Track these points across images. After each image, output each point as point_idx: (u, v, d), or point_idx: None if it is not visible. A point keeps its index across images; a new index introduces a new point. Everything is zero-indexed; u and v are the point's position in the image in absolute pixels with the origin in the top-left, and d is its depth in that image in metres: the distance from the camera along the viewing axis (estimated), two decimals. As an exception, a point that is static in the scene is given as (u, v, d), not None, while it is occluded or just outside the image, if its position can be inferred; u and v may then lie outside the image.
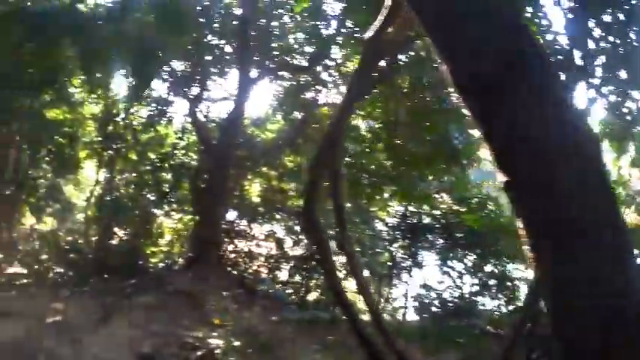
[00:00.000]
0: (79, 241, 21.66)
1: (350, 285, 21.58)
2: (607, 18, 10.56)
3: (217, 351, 9.99)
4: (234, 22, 19.75)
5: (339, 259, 15.04)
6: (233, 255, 20.48)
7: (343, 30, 18.33)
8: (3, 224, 23.97)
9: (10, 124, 23.11)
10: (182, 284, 15.97)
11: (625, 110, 11.70)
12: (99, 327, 13.83)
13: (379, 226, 21.48)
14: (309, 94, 21.04)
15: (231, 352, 10.19)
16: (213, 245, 17.71)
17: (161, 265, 21.20)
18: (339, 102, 6.98)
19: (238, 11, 19.91)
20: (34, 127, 24.46)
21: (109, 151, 22.43)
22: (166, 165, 22.11)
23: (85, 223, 22.08)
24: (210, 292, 15.45)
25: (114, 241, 20.36)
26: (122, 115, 22.37)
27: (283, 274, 20.69)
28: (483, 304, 18.91)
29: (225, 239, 19.92)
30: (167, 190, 21.98)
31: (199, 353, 9.62)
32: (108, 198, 21.37)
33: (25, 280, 18.62)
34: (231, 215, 21.13)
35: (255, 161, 21.01)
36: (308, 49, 19.89)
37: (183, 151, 22.74)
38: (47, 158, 26.46)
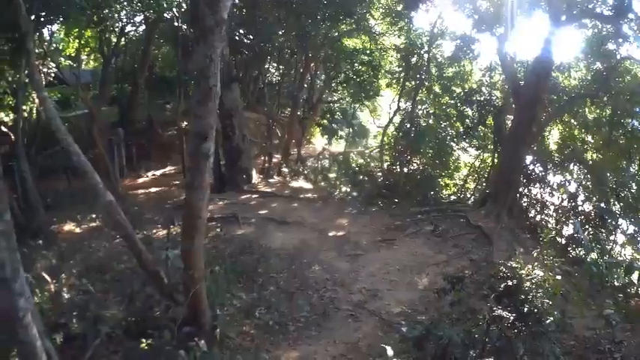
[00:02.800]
0: (371, 165, 22.48)
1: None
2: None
3: (527, 284, 9.79)
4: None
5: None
6: (525, 199, 20.02)
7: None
8: (293, 142, 25.85)
9: (308, 51, 24.60)
10: (475, 219, 15.93)
11: None
12: (381, 247, 14.11)
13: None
14: (611, 46, 19.66)
15: (539, 286, 9.93)
16: (510, 187, 17.36)
17: (453, 198, 21.36)
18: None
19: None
20: (332, 54, 25.84)
21: (412, 82, 22.86)
22: (471, 101, 22.06)
23: (379, 149, 22.80)
24: (500, 231, 15.25)
25: (406, 169, 20.86)
26: (425, 49, 22.62)
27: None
28: None
29: (522, 183, 19.49)
30: (469, 125, 21.95)
31: (509, 283, 9.48)
32: (407, 127, 21.83)
33: (309, 195, 19.89)
34: (528, 160, 20.55)
35: (558, 108, 20.12)
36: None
37: (488, 89, 22.53)
38: (344, 84, 27.90)
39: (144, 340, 8.47)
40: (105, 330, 8.99)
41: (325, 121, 28.93)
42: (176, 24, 19.33)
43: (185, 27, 19.16)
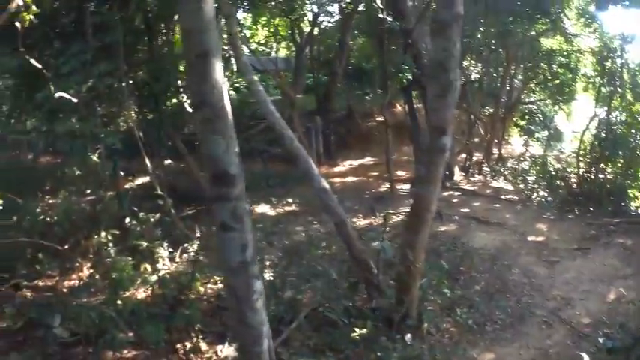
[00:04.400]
0: (567, 170, 21.81)
1: None
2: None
3: None
4: None
5: None
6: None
7: None
8: (495, 141, 25.48)
9: (508, 49, 24.15)
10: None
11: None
12: (576, 255, 14.06)
13: None
14: None
15: None
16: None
17: (640, 211, 20.40)
18: None
19: None
20: (529, 54, 25.19)
21: (608, 88, 22.00)
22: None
23: (575, 155, 22.10)
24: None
25: (601, 177, 20.11)
26: (618, 53, 21.72)
27: None
28: None
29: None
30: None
31: None
32: (603, 135, 21.06)
33: (510, 196, 19.74)
34: None
35: None
36: None
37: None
38: (541, 85, 27.12)
39: (356, 330, 8.76)
40: (304, 314, 9.39)
41: (523, 122, 28.36)
42: (381, 16, 19.43)
43: (390, 19, 19.23)
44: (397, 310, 9.21)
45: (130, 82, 15.64)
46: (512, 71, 26.56)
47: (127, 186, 17.41)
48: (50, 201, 15.52)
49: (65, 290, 11.68)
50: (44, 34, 15.15)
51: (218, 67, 4.90)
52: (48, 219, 13.06)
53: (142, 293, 11.15)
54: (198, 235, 13.73)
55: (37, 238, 11.81)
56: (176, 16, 13.40)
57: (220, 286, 11.19)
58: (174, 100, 18.19)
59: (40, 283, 12.06)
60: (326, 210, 10.19)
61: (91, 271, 12.30)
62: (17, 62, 15.48)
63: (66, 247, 12.32)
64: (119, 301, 10.12)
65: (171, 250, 12.25)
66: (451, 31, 7.58)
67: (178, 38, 13.13)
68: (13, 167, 17.98)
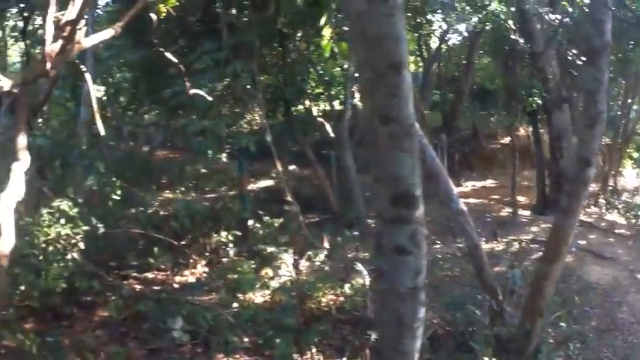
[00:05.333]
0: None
1: None
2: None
3: None
4: None
5: None
6: None
7: None
8: (611, 172, 25.02)
9: (630, 77, 23.71)
10: None
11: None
12: None
13: None
14: None
15: None
16: None
17: None
18: None
19: None
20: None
21: None
22: None
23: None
24: None
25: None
26: None
27: None
28: None
29: None
30: None
31: None
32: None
33: (622, 231, 19.40)
34: None
35: None
36: None
37: None
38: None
39: (485, 358, 8.78)
40: (427, 335, 9.46)
41: (637, 154, 27.81)
42: (513, 37, 19.36)
43: (522, 41, 19.14)
44: (519, 339, 9.28)
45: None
46: (630, 100, 26.03)
47: (249, 187, 17.69)
48: (166, 195, 15.97)
49: (176, 286, 11.95)
50: (168, 30, 15.61)
51: (409, 79, 4.80)
52: (165, 213, 13.47)
53: (259, 298, 11.17)
54: (326, 245, 13.92)
55: (152, 231, 12.20)
56: (322, 21, 13.48)
57: (342, 299, 11.27)
58: (302, 107, 18.49)
59: (150, 276, 12.36)
60: (462, 233, 10.28)
61: (206, 269, 12.52)
62: (138, 56, 16.07)
63: (182, 242, 12.62)
64: (235, 304, 10.29)
65: (296, 257, 12.39)
66: (601, 60, 7.61)
67: (326, 44, 13.17)
68: (129, 159, 18.48)
